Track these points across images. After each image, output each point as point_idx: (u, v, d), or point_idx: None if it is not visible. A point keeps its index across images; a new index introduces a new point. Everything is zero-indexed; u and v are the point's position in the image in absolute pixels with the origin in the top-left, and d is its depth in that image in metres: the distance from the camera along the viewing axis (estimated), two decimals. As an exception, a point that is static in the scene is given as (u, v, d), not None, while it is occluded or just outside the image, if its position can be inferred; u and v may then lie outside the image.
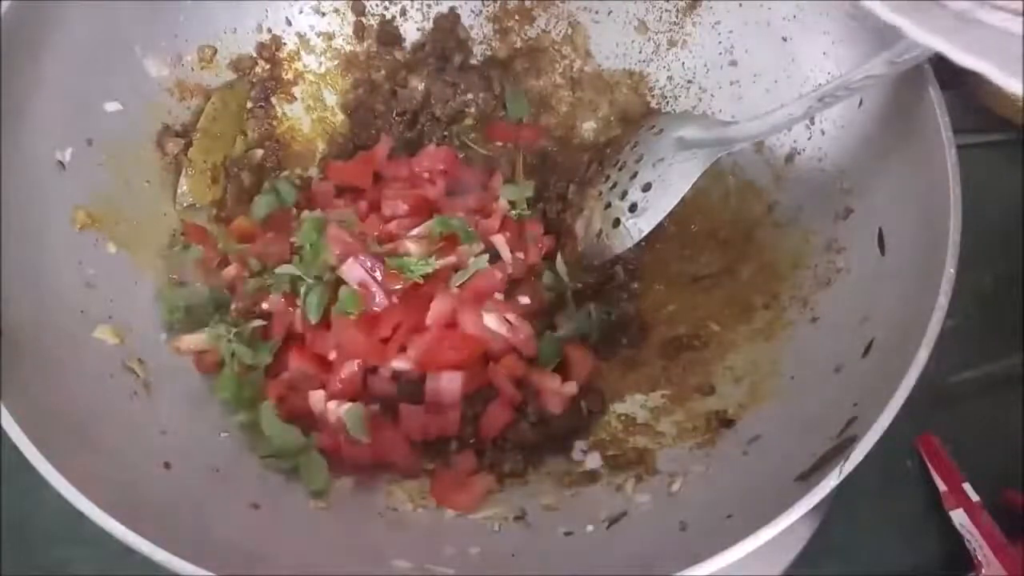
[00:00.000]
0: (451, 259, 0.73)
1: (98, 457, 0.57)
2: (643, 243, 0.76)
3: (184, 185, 0.77)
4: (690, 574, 0.49)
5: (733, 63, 0.79)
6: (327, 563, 0.57)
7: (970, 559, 0.73)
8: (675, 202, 0.72)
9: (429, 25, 0.86)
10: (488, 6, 0.85)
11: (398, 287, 0.70)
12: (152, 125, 0.76)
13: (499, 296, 0.74)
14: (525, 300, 0.76)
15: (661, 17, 0.81)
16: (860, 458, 0.51)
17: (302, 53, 0.84)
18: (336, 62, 0.86)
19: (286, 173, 0.83)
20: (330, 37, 0.85)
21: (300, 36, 0.84)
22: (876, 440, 0.52)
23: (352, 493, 0.65)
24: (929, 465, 0.78)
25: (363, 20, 0.85)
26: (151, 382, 0.66)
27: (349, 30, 0.85)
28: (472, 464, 0.68)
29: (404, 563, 0.57)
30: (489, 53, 0.87)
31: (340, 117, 0.86)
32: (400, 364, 0.70)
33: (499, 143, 0.86)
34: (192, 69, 0.79)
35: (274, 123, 0.84)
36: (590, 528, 0.60)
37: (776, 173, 0.76)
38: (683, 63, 0.82)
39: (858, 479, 0.52)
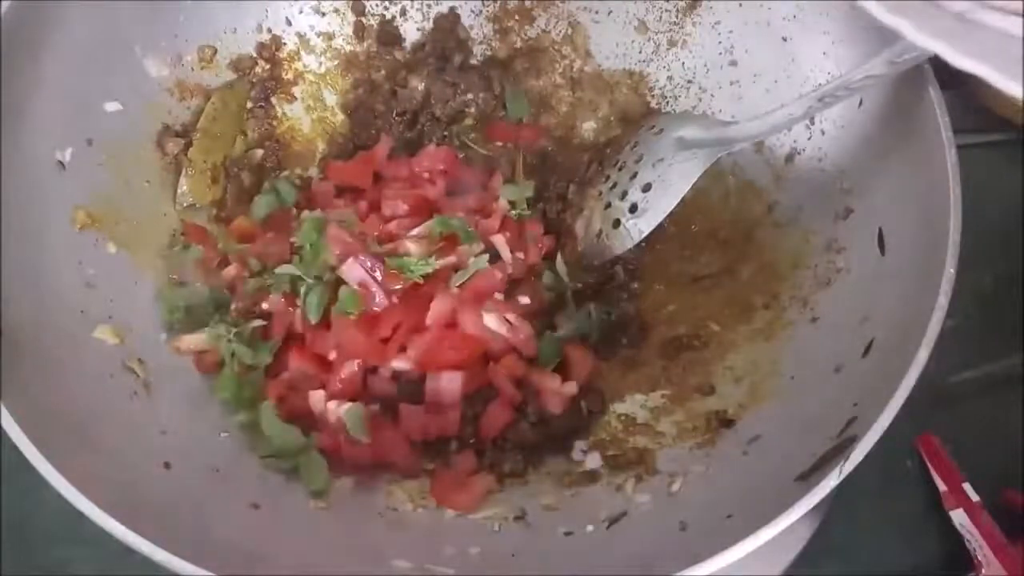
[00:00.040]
0: (451, 259, 0.73)
1: (98, 457, 0.57)
2: (643, 243, 0.76)
3: (184, 185, 0.77)
4: (690, 574, 0.49)
5: (733, 63, 0.79)
6: (327, 563, 0.57)
7: (970, 559, 0.73)
8: (675, 203, 0.72)
9: (429, 25, 0.86)
10: (488, 6, 0.85)
11: (398, 287, 0.70)
12: (152, 125, 0.76)
13: (499, 296, 0.74)
14: (525, 300, 0.76)
15: (661, 17, 0.81)
16: (860, 458, 0.51)
17: (302, 53, 0.84)
18: (336, 62, 0.86)
19: (286, 173, 0.83)
20: (330, 37, 0.85)
21: (300, 36, 0.84)
22: (876, 440, 0.51)
23: (352, 493, 0.65)
24: (929, 465, 0.78)
25: (363, 20, 0.85)
26: (151, 382, 0.66)
27: (349, 30, 0.85)
28: (472, 464, 0.68)
29: (404, 563, 0.57)
30: (489, 53, 0.87)
31: (340, 117, 0.86)
32: (400, 364, 0.70)
33: (499, 143, 0.86)
34: (192, 69, 0.79)
35: (274, 123, 0.84)
36: (590, 528, 0.60)
37: (776, 173, 0.76)
38: (683, 63, 0.82)
39: (858, 479, 0.52)
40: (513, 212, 0.80)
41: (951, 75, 0.45)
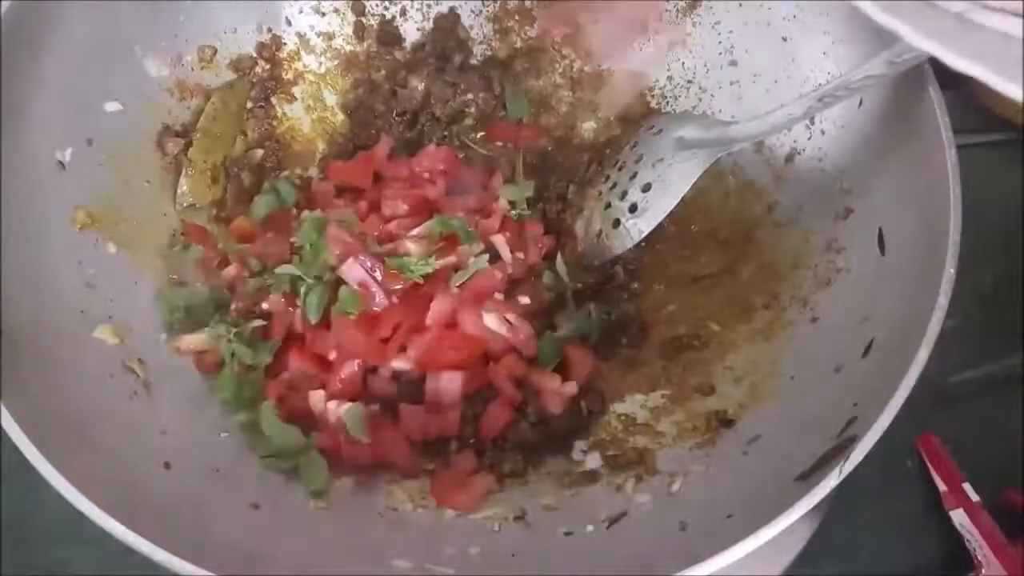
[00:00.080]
0: (451, 259, 0.73)
1: (98, 457, 0.56)
2: (643, 243, 0.76)
3: (184, 185, 0.77)
4: (690, 574, 0.49)
5: (733, 63, 0.79)
6: (327, 563, 0.57)
7: (970, 559, 0.73)
8: (675, 203, 0.72)
9: (429, 25, 0.86)
10: (488, 6, 0.85)
11: (398, 287, 0.70)
12: (152, 125, 0.76)
13: (499, 296, 0.74)
14: (525, 300, 0.76)
15: (661, 17, 0.81)
16: (860, 458, 0.51)
17: (302, 53, 0.84)
18: (336, 62, 0.86)
19: (286, 173, 0.83)
20: (330, 37, 0.85)
21: (300, 36, 0.84)
22: (876, 440, 0.51)
23: (352, 493, 0.65)
24: (929, 465, 0.78)
25: (363, 20, 0.85)
26: (151, 382, 0.66)
27: (349, 30, 0.85)
28: (472, 464, 0.68)
29: (404, 563, 0.57)
30: (489, 53, 0.87)
31: (340, 117, 0.86)
32: (400, 364, 0.70)
33: (499, 143, 0.86)
34: (192, 69, 0.79)
35: (274, 123, 0.84)
36: (590, 528, 0.60)
37: (776, 173, 0.76)
38: (683, 63, 0.82)
39: (858, 479, 0.52)
40: (513, 212, 0.80)
41: (951, 75, 0.45)
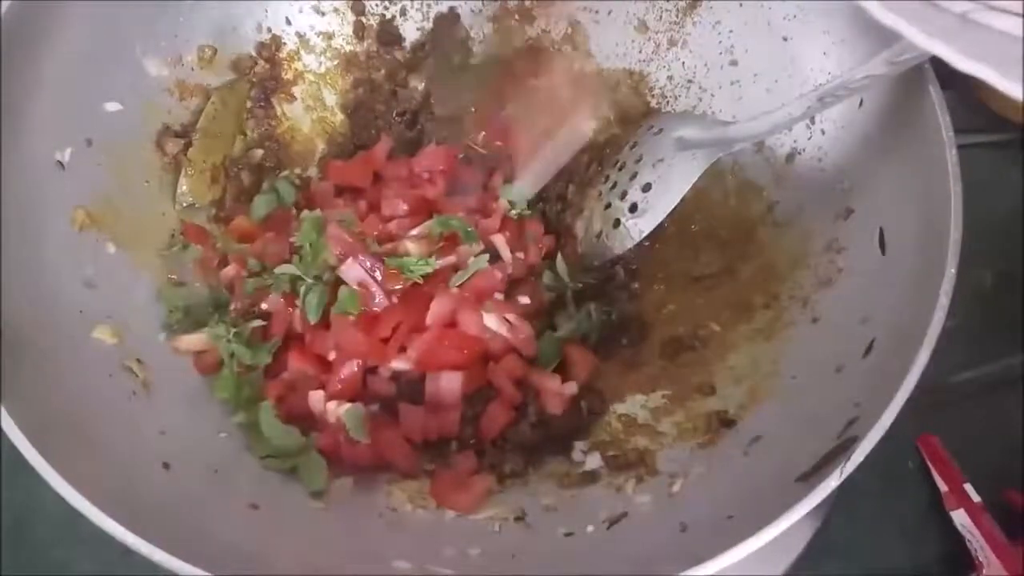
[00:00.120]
0: (451, 259, 0.73)
1: (97, 457, 0.56)
2: (643, 243, 0.76)
3: (184, 185, 0.77)
4: (691, 575, 0.49)
5: (733, 63, 0.78)
6: (326, 564, 0.56)
7: (971, 559, 0.73)
8: (675, 203, 0.72)
9: (429, 25, 0.86)
10: (488, 6, 0.85)
11: (398, 287, 0.70)
12: (152, 125, 0.76)
13: (499, 296, 0.74)
14: (525, 300, 0.76)
15: (661, 17, 0.81)
16: (861, 458, 0.51)
17: (302, 53, 0.84)
18: (336, 62, 0.86)
19: (286, 173, 0.83)
20: (330, 37, 0.85)
21: (300, 36, 0.84)
22: (877, 440, 0.51)
23: (352, 493, 0.65)
24: (930, 465, 0.78)
25: (363, 20, 0.85)
26: (150, 382, 0.65)
27: (349, 30, 0.85)
28: (472, 464, 0.68)
29: (404, 564, 0.57)
30: (489, 53, 0.87)
31: (340, 117, 0.86)
32: (400, 364, 0.70)
33: (499, 143, 0.86)
34: (192, 69, 0.79)
35: (274, 123, 0.84)
36: (590, 529, 0.60)
37: (776, 173, 0.76)
38: (683, 63, 0.82)
39: (859, 479, 0.52)
40: (513, 212, 0.80)
41: (952, 75, 0.45)
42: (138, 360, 0.66)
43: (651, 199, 0.73)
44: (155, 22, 0.75)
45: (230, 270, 0.75)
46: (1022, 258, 0.87)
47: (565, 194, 0.83)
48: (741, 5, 0.76)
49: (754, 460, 0.60)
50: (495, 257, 0.75)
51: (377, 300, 0.69)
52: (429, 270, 0.71)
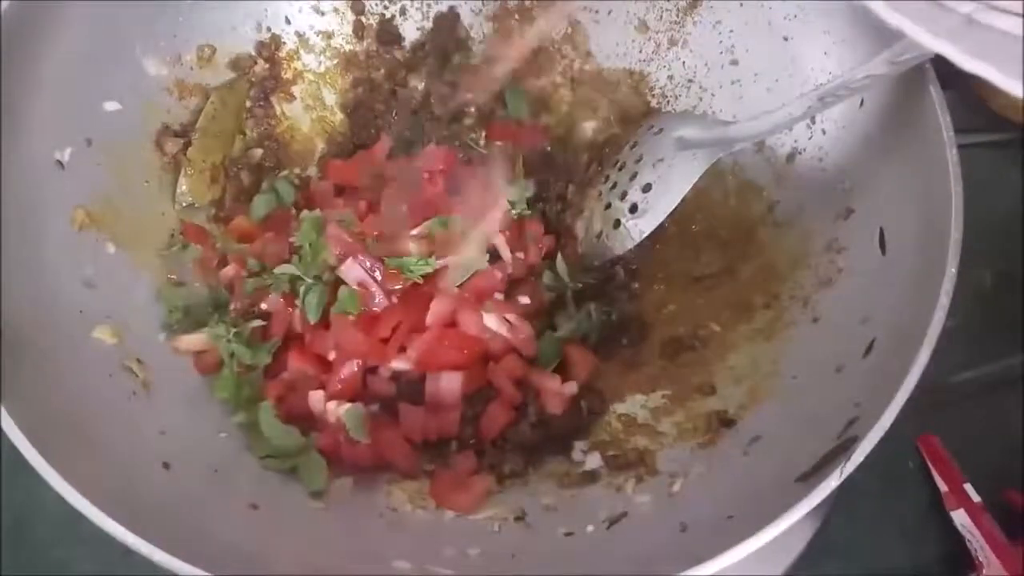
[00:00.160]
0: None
1: (97, 457, 0.56)
2: (644, 243, 0.76)
3: (183, 185, 0.77)
4: (691, 575, 0.49)
5: (734, 62, 0.78)
6: (326, 564, 0.56)
7: (971, 559, 0.73)
8: (675, 203, 0.72)
9: (429, 24, 0.86)
10: (488, 6, 0.85)
11: (398, 287, 0.70)
12: (151, 125, 0.76)
13: (499, 296, 0.74)
14: (525, 300, 0.76)
15: (662, 16, 0.81)
16: (861, 459, 0.51)
17: (301, 52, 0.84)
18: (335, 61, 0.85)
19: (285, 172, 0.83)
20: (329, 36, 0.85)
21: (299, 35, 0.84)
22: (877, 440, 0.51)
23: (351, 494, 0.65)
24: (930, 466, 0.78)
25: (362, 19, 0.85)
26: (150, 382, 0.65)
27: (348, 29, 0.85)
28: (472, 464, 0.68)
29: (403, 564, 0.57)
30: (489, 53, 0.87)
31: (339, 116, 0.86)
32: (400, 364, 0.70)
33: (499, 143, 0.86)
34: (191, 68, 0.79)
35: (273, 122, 0.84)
36: (590, 529, 0.60)
37: (777, 173, 0.76)
38: (684, 62, 0.82)
39: (859, 479, 0.52)
40: (513, 212, 0.80)
41: (952, 74, 0.45)
42: (138, 360, 0.66)
43: (651, 199, 0.73)
44: (154, 22, 0.75)
45: (230, 270, 0.75)
46: (1022, 258, 0.87)
47: (565, 194, 0.83)
48: (741, 5, 0.76)
49: (754, 460, 0.60)
50: (495, 257, 0.75)
51: (377, 300, 0.69)
52: (429, 270, 0.71)
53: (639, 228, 0.74)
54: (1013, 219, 0.90)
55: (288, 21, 0.83)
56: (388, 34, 0.85)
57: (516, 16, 0.85)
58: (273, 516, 0.60)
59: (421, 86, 0.84)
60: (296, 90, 0.85)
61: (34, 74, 0.65)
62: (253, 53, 0.82)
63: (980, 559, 0.72)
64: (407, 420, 0.69)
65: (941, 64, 0.40)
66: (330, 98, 0.86)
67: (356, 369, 0.69)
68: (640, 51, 0.83)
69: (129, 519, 0.50)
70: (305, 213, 0.76)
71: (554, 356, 0.74)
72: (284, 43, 0.83)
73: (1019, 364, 0.83)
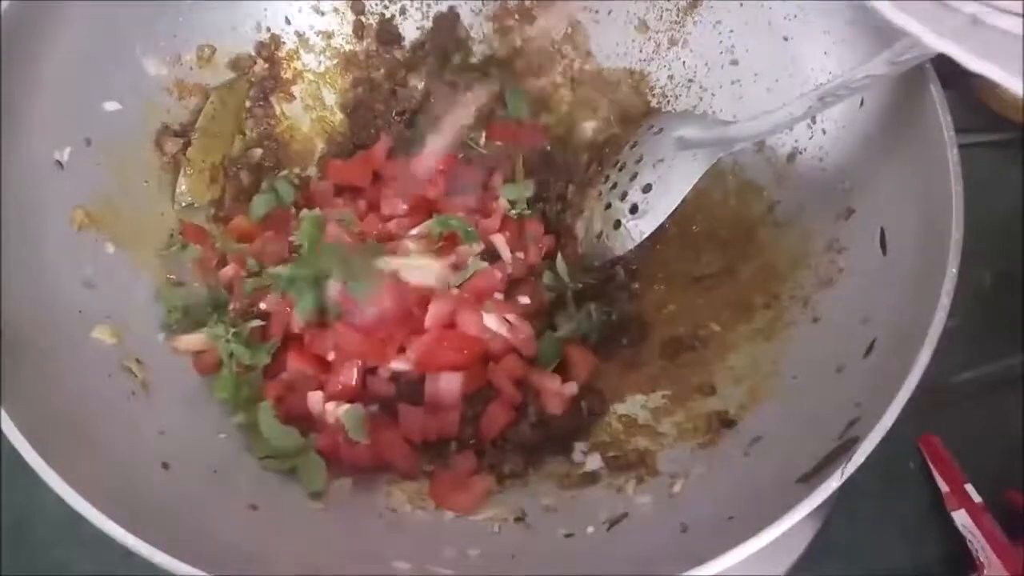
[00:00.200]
0: (451, 259, 0.73)
1: (96, 458, 0.56)
2: (644, 243, 0.76)
3: (183, 184, 0.77)
4: (692, 575, 0.49)
5: (734, 62, 0.78)
6: (326, 564, 0.56)
7: (972, 560, 0.73)
8: (676, 203, 0.72)
9: (429, 24, 0.86)
10: (488, 6, 0.85)
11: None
12: (151, 124, 0.76)
13: (499, 296, 0.74)
14: (525, 300, 0.75)
15: (662, 16, 0.81)
16: (862, 459, 0.51)
17: (301, 52, 0.84)
18: (335, 61, 0.85)
19: (285, 172, 0.83)
20: (329, 36, 0.85)
21: (299, 35, 0.84)
22: (878, 441, 0.51)
23: (351, 494, 0.65)
24: (931, 466, 0.78)
25: (362, 19, 0.85)
26: (149, 382, 0.65)
27: (348, 29, 0.85)
28: (472, 465, 0.68)
29: (403, 564, 0.57)
30: (489, 53, 0.87)
31: (339, 116, 0.86)
32: (399, 365, 0.70)
33: (499, 143, 0.86)
34: (191, 68, 0.79)
35: (273, 122, 0.84)
36: (590, 529, 0.60)
37: (777, 173, 0.76)
38: (684, 62, 0.82)
39: (860, 480, 0.51)
40: (513, 212, 0.80)
41: (952, 74, 0.45)
42: (137, 360, 0.66)
43: (652, 200, 0.73)
44: (154, 22, 0.75)
45: (229, 270, 0.75)
46: (1022, 258, 0.87)
47: (565, 194, 0.83)
48: (741, 5, 0.76)
49: (755, 460, 0.60)
50: (495, 257, 0.75)
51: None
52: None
53: (639, 228, 0.74)
54: (1013, 219, 0.90)
55: (288, 21, 0.83)
56: (388, 34, 0.85)
57: (516, 16, 0.85)
58: (272, 516, 0.60)
59: (421, 86, 0.84)
60: (296, 90, 0.85)
61: (34, 74, 0.65)
62: (253, 53, 0.82)
63: (981, 559, 0.72)
64: (407, 421, 0.69)
65: (941, 64, 0.40)
66: (330, 98, 0.86)
67: (355, 370, 0.69)
68: (640, 51, 0.83)
69: (128, 520, 0.50)
70: (305, 212, 0.76)
71: (554, 356, 0.74)
72: (284, 43, 0.83)
73: (1019, 364, 0.83)
